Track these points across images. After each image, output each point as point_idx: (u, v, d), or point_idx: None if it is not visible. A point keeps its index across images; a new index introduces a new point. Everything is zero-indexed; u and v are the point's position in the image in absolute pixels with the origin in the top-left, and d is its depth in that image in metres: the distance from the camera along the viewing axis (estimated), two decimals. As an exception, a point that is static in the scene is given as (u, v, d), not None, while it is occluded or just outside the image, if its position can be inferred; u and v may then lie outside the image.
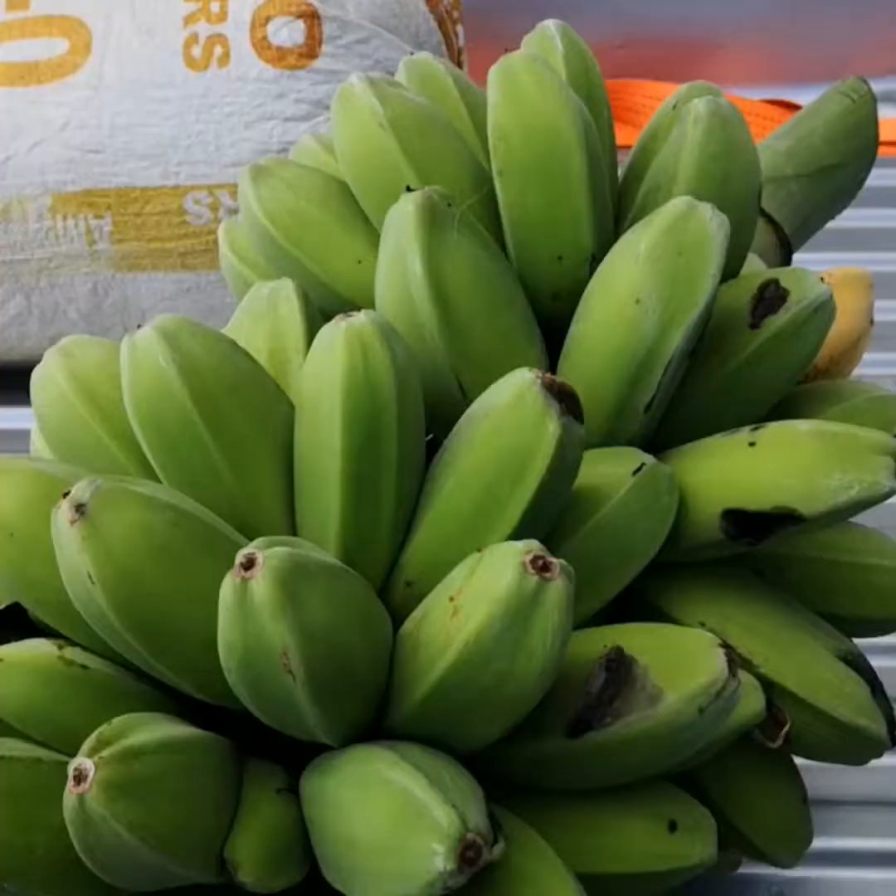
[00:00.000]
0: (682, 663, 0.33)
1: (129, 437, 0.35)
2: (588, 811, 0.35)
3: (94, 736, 0.30)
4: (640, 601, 0.39)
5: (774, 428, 0.38)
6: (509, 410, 0.34)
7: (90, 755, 0.30)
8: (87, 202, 0.63)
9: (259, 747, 0.34)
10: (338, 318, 0.35)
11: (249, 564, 0.30)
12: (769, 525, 0.37)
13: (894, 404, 0.43)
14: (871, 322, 0.50)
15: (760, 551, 0.40)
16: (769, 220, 0.57)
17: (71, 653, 0.34)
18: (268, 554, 0.30)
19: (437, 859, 0.29)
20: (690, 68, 0.87)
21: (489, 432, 0.35)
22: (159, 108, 0.64)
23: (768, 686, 0.38)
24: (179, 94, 0.64)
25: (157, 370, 0.34)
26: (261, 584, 0.30)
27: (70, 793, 0.30)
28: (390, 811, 0.30)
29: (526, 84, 0.40)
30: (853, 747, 0.40)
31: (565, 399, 0.34)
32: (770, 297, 0.40)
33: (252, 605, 0.30)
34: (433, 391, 0.37)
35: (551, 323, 0.40)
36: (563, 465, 0.34)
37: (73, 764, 0.30)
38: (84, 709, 0.33)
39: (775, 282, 0.40)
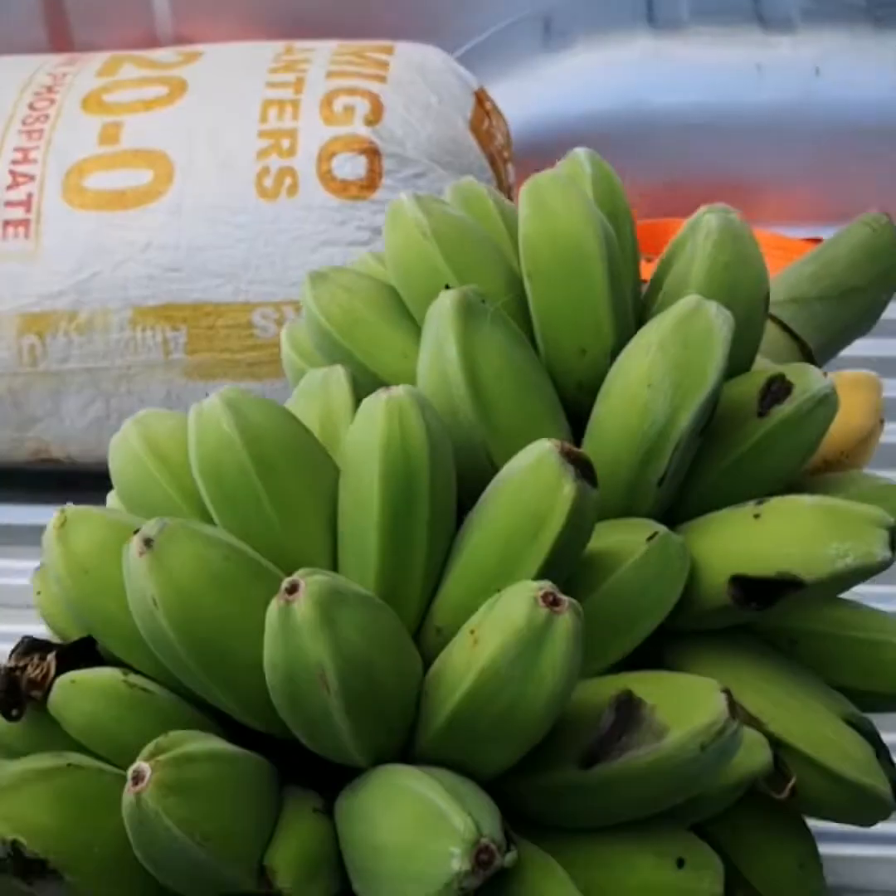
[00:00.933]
0: (686, 705, 0.36)
1: (193, 494, 0.40)
2: (598, 846, 0.37)
3: (152, 744, 0.34)
4: (655, 664, 0.42)
5: (778, 501, 0.41)
6: (529, 474, 0.38)
7: (148, 759, 0.33)
8: (164, 316, 0.69)
9: (300, 774, 0.38)
10: (379, 391, 0.39)
11: (293, 589, 0.34)
12: (773, 591, 0.40)
13: None
14: (882, 421, 0.53)
15: (774, 626, 0.43)
16: (794, 336, 0.61)
17: (135, 679, 0.37)
18: (309, 580, 0.34)
19: (454, 861, 0.32)
20: (732, 206, 0.91)
21: (511, 493, 0.38)
22: (232, 232, 0.69)
23: (776, 743, 0.40)
24: (251, 220, 0.69)
25: (220, 432, 0.39)
26: (302, 607, 0.33)
27: (128, 792, 0.33)
28: (412, 818, 0.34)
29: (552, 198, 0.45)
30: (858, 806, 0.42)
31: (580, 465, 0.38)
32: (776, 389, 0.43)
33: (293, 626, 0.34)
34: (466, 464, 0.41)
35: (577, 410, 0.44)
36: (578, 523, 0.38)
37: (133, 767, 0.33)
38: (143, 729, 0.36)
39: (782, 376, 0.43)
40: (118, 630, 0.38)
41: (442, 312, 0.42)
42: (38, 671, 0.37)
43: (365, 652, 0.34)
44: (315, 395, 0.44)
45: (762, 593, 0.40)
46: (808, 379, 0.43)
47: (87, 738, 0.36)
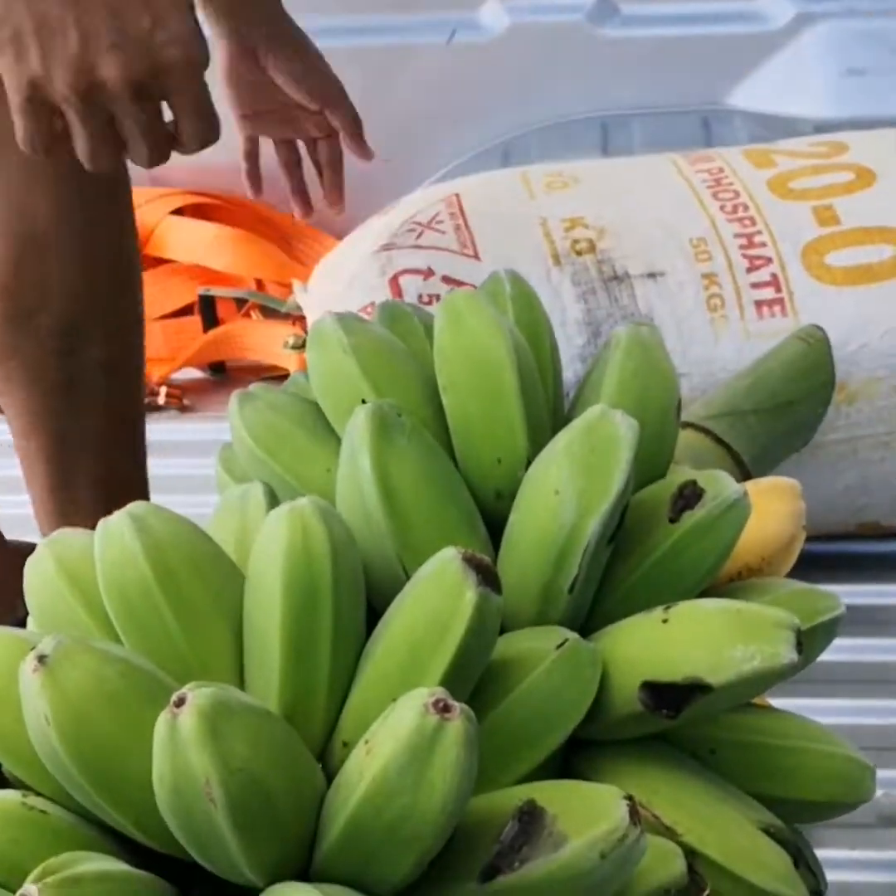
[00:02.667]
0: (588, 813, 0.36)
1: (101, 611, 0.40)
2: None
3: (40, 867, 0.33)
4: (568, 776, 0.42)
5: (685, 605, 0.42)
6: (432, 581, 0.38)
7: (35, 881, 0.33)
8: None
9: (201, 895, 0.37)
10: (284, 503, 0.40)
11: (180, 703, 0.34)
12: (682, 696, 0.40)
13: (816, 596, 0.46)
14: (803, 527, 0.54)
15: (692, 735, 0.43)
16: (727, 448, 0.62)
17: (34, 800, 0.37)
18: (196, 693, 0.34)
19: None
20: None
21: (414, 601, 0.39)
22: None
23: (691, 853, 0.40)
24: None
25: (123, 546, 0.39)
26: (187, 719, 0.33)
27: None
28: None
29: (466, 313, 0.46)
30: None
31: (483, 571, 0.38)
32: (688, 495, 0.44)
33: (179, 739, 0.34)
34: (380, 574, 0.42)
35: (496, 518, 0.45)
36: (481, 629, 0.38)
37: (20, 891, 0.33)
38: (40, 850, 0.36)
39: (693, 482, 0.44)
40: (20, 747, 0.37)
41: (357, 426, 0.43)
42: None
43: (253, 763, 0.34)
44: (233, 510, 0.45)
45: (671, 699, 0.40)
46: (719, 484, 0.44)
47: None
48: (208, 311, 0.94)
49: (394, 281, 0.75)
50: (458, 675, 0.38)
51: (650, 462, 0.46)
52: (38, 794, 0.38)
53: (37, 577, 0.42)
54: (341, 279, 0.80)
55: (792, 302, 0.73)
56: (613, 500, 0.41)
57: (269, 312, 0.93)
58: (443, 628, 0.38)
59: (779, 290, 0.73)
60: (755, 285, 0.73)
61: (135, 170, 0.93)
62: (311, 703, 0.38)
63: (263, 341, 0.92)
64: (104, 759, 0.35)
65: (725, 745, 0.44)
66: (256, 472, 0.48)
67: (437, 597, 0.38)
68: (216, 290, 0.93)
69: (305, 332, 0.86)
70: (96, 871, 0.34)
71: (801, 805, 0.44)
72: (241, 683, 0.40)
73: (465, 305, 0.46)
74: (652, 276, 0.74)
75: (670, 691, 0.40)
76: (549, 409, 0.48)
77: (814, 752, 0.44)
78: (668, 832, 0.41)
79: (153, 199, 0.96)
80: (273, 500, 0.45)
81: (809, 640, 0.41)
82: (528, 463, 0.45)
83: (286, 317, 0.91)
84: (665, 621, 0.41)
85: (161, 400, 0.89)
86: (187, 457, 0.80)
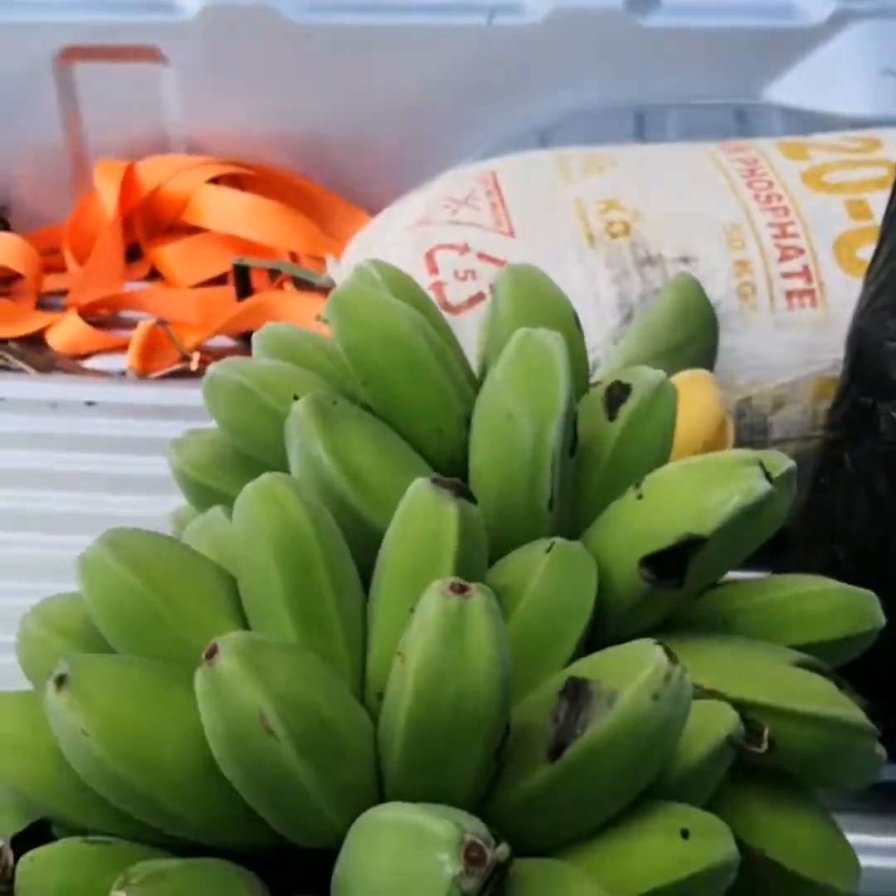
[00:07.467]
0: (627, 667, 0.37)
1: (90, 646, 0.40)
2: (599, 845, 0.37)
3: (120, 876, 0.34)
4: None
5: (652, 476, 0.44)
6: (410, 513, 0.40)
7: (121, 887, 0.33)
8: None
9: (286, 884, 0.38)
10: (247, 485, 0.40)
11: (212, 653, 0.34)
12: (680, 557, 0.41)
13: (767, 456, 0.46)
14: (729, 411, 0.55)
15: (702, 615, 0.45)
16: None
17: (92, 837, 0.37)
18: (225, 639, 0.34)
19: (446, 867, 0.32)
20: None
21: (398, 538, 0.40)
22: None
23: (740, 707, 0.41)
24: None
25: (109, 570, 0.39)
26: (225, 661, 0.34)
27: None
28: (394, 848, 0.33)
29: (357, 305, 0.47)
30: (840, 746, 0.42)
31: (455, 488, 0.40)
32: (618, 393, 0.46)
33: (223, 682, 0.34)
34: (363, 549, 0.42)
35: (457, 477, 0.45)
36: (471, 539, 0.39)
37: None
38: (117, 877, 0.35)
39: (618, 381, 0.47)
40: (63, 788, 0.37)
41: (299, 421, 0.43)
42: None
43: (302, 691, 0.34)
44: (199, 534, 0.46)
45: (672, 565, 0.41)
46: (642, 375, 0.46)
47: None
48: (243, 280, 0.95)
49: (429, 256, 0.76)
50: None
51: (574, 373, 0.47)
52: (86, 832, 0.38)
53: (26, 642, 0.42)
54: (376, 254, 0.81)
55: (822, 293, 0.74)
56: (564, 410, 0.43)
57: (301, 285, 0.94)
58: (435, 550, 0.39)
59: (810, 280, 0.74)
60: (786, 275, 0.75)
61: (172, 138, 0.95)
62: (334, 664, 0.40)
63: (297, 313, 0.93)
64: (148, 751, 0.36)
65: (735, 613, 0.45)
66: (205, 504, 0.48)
67: (419, 524, 0.39)
68: (251, 261, 0.94)
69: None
70: (179, 863, 0.34)
71: (822, 648, 0.45)
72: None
73: (355, 298, 0.47)
74: (685, 260, 0.75)
75: (668, 557, 0.41)
76: (463, 370, 0.50)
77: (818, 595, 0.46)
78: (714, 695, 0.42)
79: (190, 167, 0.97)
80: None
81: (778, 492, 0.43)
82: (467, 422, 0.46)
83: (319, 290, 0.92)
84: (640, 497, 0.43)
85: (194, 366, 0.90)
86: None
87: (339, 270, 0.86)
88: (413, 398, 0.46)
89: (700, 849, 0.37)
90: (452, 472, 0.46)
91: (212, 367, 0.48)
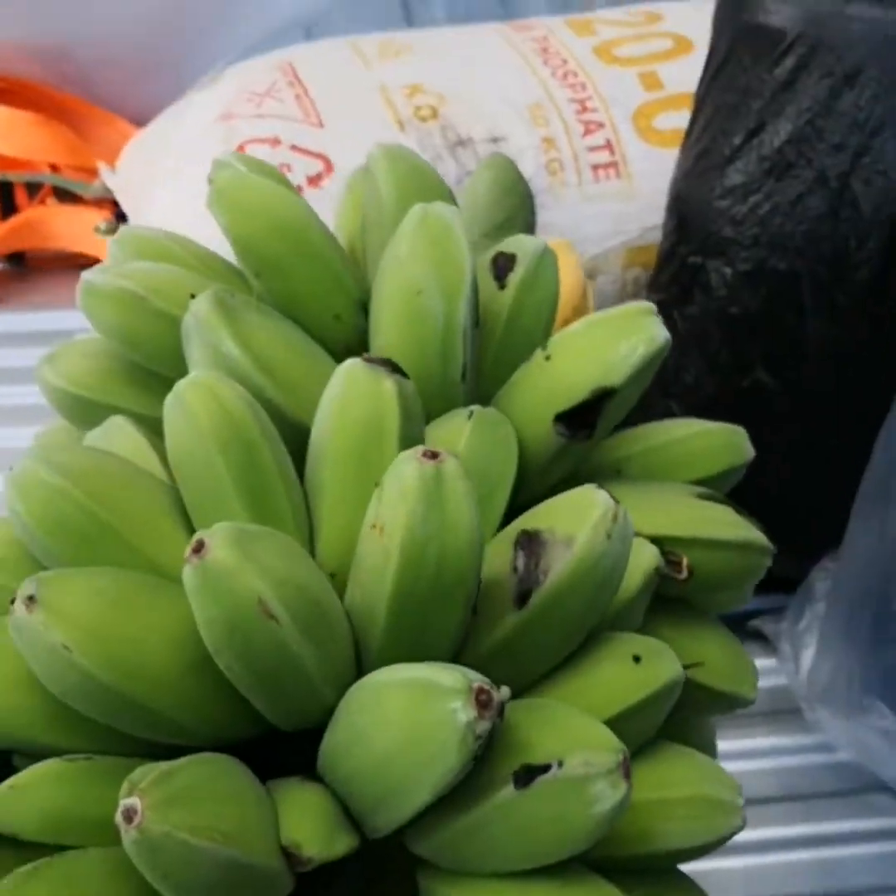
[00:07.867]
0: (577, 512, 0.38)
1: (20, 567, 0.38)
2: (563, 680, 0.38)
3: (125, 784, 0.32)
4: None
5: (557, 337, 0.45)
6: (346, 391, 0.39)
7: (130, 793, 0.32)
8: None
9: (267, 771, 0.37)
10: (180, 380, 0.39)
11: (199, 548, 0.34)
12: (592, 410, 0.43)
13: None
14: (587, 277, 0.58)
15: (597, 464, 0.46)
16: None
17: (71, 756, 0.36)
18: (212, 531, 0.34)
19: (459, 714, 0.32)
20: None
21: (338, 418, 0.39)
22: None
23: (658, 541, 0.43)
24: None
25: (45, 484, 0.37)
26: (218, 552, 0.33)
27: (127, 832, 0.31)
28: (401, 706, 0.33)
29: (240, 196, 0.45)
30: (749, 566, 0.45)
31: (386, 364, 0.39)
32: (503, 263, 0.46)
33: (217, 573, 0.33)
34: (288, 440, 0.41)
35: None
36: (411, 412, 0.39)
37: (120, 808, 0.32)
38: (106, 792, 0.34)
39: (500, 252, 0.47)
40: (30, 722, 0.36)
41: (202, 317, 0.41)
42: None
43: (294, 573, 0.35)
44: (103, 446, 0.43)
45: (584, 418, 0.43)
46: (523, 243, 0.47)
47: (50, 831, 0.35)
48: (6, 198, 0.90)
49: (240, 151, 0.75)
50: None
51: None
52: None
53: None
54: (172, 153, 0.79)
55: (625, 164, 0.78)
56: (470, 281, 0.44)
57: (64, 197, 0.90)
58: (377, 426, 0.39)
59: (612, 153, 0.78)
60: (591, 149, 0.78)
61: None
62: None
63: (69, 228, 0.89)
64: (136, 658, 0.35)
65: (626, 460, 0.47)
66: (89, 420, 0.45)
67: (357, 402, 0.39)
68: (14, 176, 0.89)
69: (114, 217, 0.85)
70: (183, 761, 0.33)
71: (709, 483, 0.48)
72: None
73: (238, 189, 0.45)
74: (494, 140, 0.76)
75: (581, 411, 0.43)
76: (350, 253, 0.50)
77: (702, 434, 0.48)
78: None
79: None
80: (138, 426, 0.43)
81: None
82: (364, 307, 0.46)
83: (89, 202, 0.88)
84: (548, 359, 0.44)
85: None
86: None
87: (115, 178, 0.84)
88: (310, 285, 0.45)
89: (652, 670, 0.39)
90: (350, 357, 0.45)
91: (86, 274, 0.44)
